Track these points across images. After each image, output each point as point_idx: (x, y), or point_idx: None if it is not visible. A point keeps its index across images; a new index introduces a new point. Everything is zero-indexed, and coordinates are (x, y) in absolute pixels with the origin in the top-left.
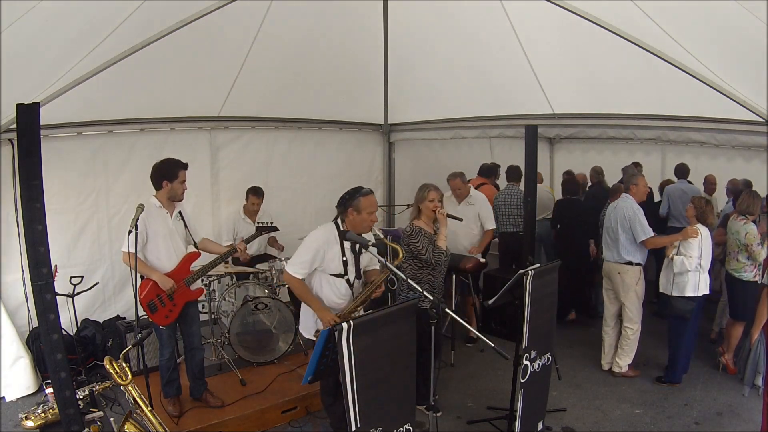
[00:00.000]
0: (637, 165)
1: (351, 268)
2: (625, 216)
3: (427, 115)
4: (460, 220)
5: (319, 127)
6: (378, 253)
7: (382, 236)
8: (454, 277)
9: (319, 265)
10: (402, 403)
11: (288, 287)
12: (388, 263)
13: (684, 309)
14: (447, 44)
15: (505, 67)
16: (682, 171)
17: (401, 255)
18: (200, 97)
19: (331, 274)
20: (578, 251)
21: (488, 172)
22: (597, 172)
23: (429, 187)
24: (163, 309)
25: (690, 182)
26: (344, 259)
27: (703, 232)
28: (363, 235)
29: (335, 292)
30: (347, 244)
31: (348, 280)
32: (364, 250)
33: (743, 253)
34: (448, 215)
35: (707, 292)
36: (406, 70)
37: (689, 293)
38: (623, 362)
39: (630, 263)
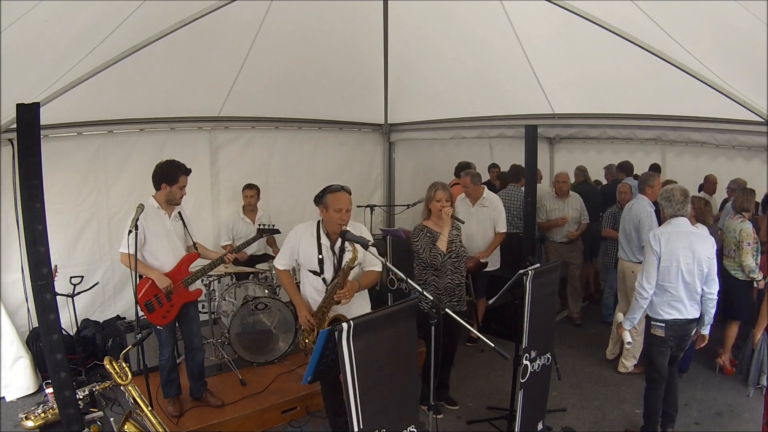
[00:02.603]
0: (655, 167)
1: (328, 267)
2: (638, 217)
3: (427, 115)
4: (462, 222)
5: (319, 127)
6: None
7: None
8: None
9: (297, 258)
10: (404, 404)
11: None
12: (388, 263)
13: None
14: (447, 44)
15: (505, 67)
16: (627, 168)
17: (353, 254)
18: (200, 97)
19: (309, 270)
20: None
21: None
22: (582, 171)
23: (437, 186)
24: (161, 309)
25: (636, 177)
26: (320, 257)
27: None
28: (363, 234)
29: (315, 289)
30: (326, 243)
31: (324, 279)
32: (347, 251)
33: (738, 251)
34: (452, 217)
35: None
36: (406, 70)
37: None
38: (629, 363)
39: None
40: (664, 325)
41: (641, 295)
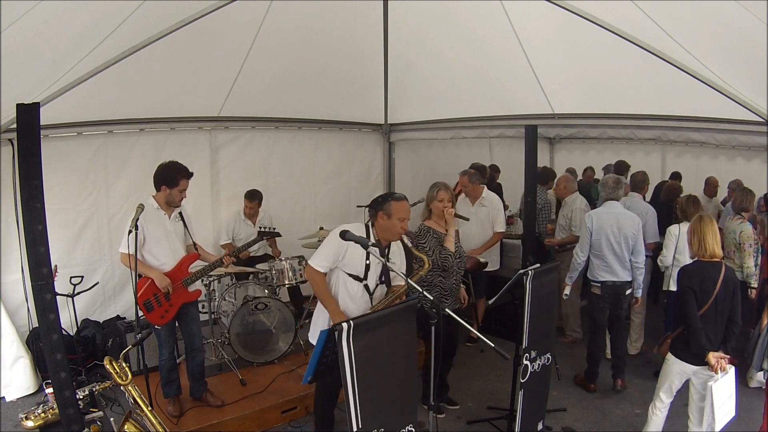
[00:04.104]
0: (676, 174)
1: (372, 275)
2: (642, 214)
3: (427, 115)
4: (466, 219)
5: (319, 127)
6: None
7: (410, 245)
8: None
9: (340, 260)
10: (404, 404)
11: (288, 288)
12: (387, 263)
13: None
14: (447, 44)
15: (505, 66)
16: (620, 168)
17: (427, 265)
18: (200, 97)
19: (349, 274)
20: None
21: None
22: (571, 173)
23: (439, 186)
24: (159, 309)
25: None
26: (367, 262)
27: (683, 229)
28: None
29: (350, 295)
30: (375, 250)
31: (366, 286)
32: (390, 262)
33: (738, 252)
34: (455, 215)
35: None
36: (406, 70)
37: (672, 287)
38: (638, 344)
39: None
40: (600, 285)
41: (576, 260)
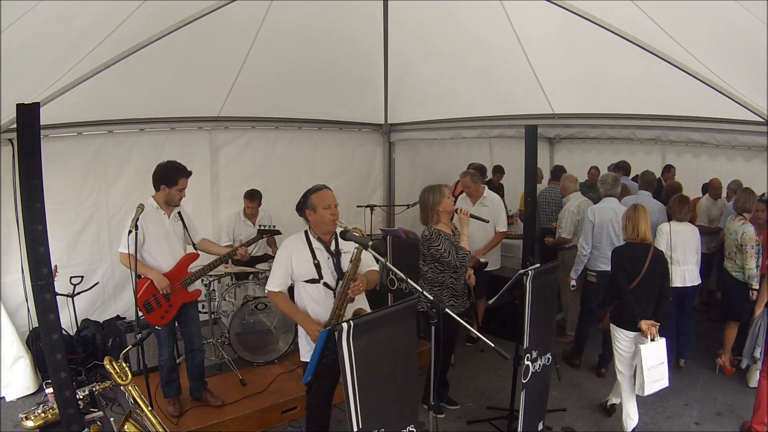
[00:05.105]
0: (668, 167)
1: (326, 272)
2: (653, 212)
3: (427, 115)
4: (486, 221)
5: (319, 127)
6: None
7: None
8: None
9: (291, 272)
10: (404, 404)
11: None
12: (388, 263)
13: None
14: (447, 44)
15: (505, 66)
16: (624, 168)
17: (358, 252)
18: (200, 97)
19: (305, 281)
20: None
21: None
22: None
23: (441, 188)
24: (159, 309)
25: (633, 180)
26: (315, 262)
27: (673, 227)
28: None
29: (315, 299)
30: (318, 246)
31: (326, 284)
32: (342, 253)
33: (740, 254)
34: (473, 216)
35: (679, 284)
36: (406, 70)
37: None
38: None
39: None
40: (596, 274)
41: (582, 252)
